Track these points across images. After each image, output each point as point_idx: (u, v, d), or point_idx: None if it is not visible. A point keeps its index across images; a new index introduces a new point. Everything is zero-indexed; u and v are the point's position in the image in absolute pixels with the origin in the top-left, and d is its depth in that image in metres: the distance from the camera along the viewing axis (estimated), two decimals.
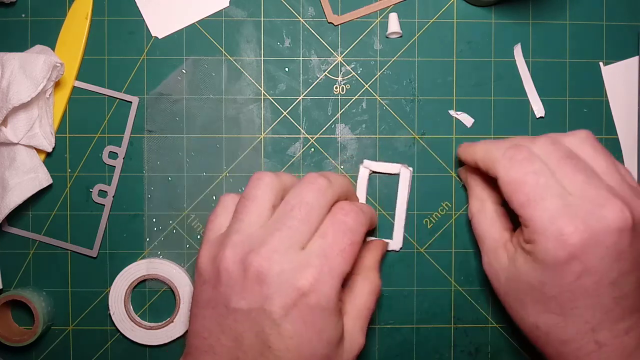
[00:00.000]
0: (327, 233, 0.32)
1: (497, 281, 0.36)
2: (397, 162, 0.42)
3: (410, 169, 0.42)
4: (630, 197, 0.32)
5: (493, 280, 0.37)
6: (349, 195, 0.37)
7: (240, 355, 0.31)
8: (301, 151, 0.42)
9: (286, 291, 0.30)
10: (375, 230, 0.42)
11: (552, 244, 0.31)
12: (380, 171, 0.42)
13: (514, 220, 0.37)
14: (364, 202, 0.42)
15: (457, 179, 0.42)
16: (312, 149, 0.43)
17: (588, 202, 0.31)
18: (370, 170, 0.42)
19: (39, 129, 0.40)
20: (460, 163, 0.41)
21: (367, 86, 0.42)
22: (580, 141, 0.34)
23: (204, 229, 0.36)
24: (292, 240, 0.31)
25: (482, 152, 0.36)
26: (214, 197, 0.42)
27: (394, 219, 0.42)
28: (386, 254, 0.42)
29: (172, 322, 0.41)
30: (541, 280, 0.32)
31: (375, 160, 0.42)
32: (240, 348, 0.31)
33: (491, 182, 0.38)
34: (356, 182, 0.42)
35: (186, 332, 0.39)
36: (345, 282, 0.33)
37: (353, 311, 0.35)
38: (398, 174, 0.42)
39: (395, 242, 0.42)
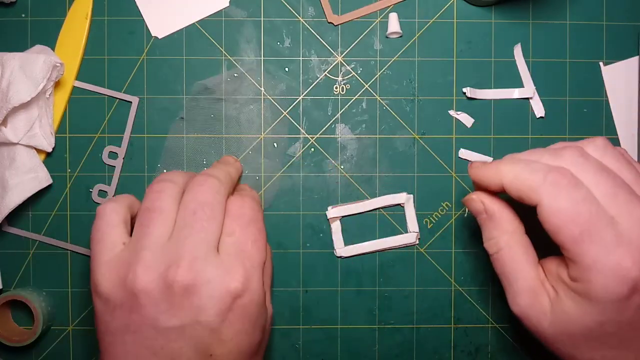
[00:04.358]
0: (234, 230, 0.32)
1: (538, 326, 0.31)
2: (362, 198, 0.42)
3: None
4: None
5: (533, 324, 0.32)
6: (235, 183, 0.38)
7: None
8: (301, 151, 0.42)
9: (219, 298, 0.29)
10: None
11: (611, 281, 0.28)
12: (346, 214, 0.42)
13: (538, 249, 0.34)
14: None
15: (465, 208, 0.39)
16: (312, 149, 0.43)
17: (637, 225, 0.28)
18: (341, 216, 0.42)
19: (39, 129, 0.40)
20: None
21: (367, 86, 0.42)
22: (602, 151, 0.31)
23: (91, 250, 0.32)
24: (205, 243, 0.31)
25: (512, 175, 0.30)
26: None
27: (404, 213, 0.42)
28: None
29: None
30: (599, 320, 0.29)
31: (376, 161, 0.42)
32: None
33: (518, 209, 0.33)
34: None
35: None
36: None
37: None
38: (364, 212, 0.42)
39: (410, 235, 0.42)
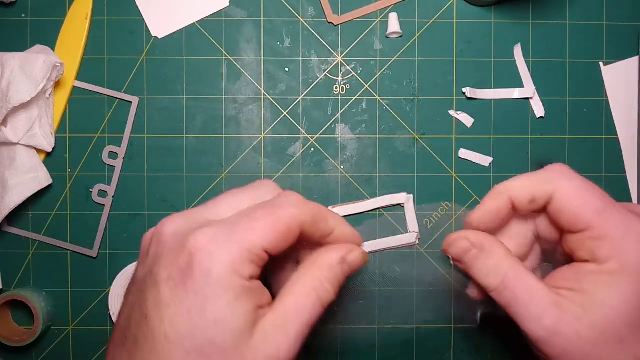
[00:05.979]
0: (248, 209, 0.28)
1: (574, 338, 0.28)
2: (364, 198, 0.42)
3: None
4: None
5: (567, 340, 0.28)
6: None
7: (127, 334, 0.26)
8: (301, 151, 0.42)
9: (174, 250, 0.26)
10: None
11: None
12: (346, 214, 0.42)
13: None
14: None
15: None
16: (312, 149, 0.43)
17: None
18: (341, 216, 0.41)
19: (39, 129, 0.40)
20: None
21: (367, 86, 0.43)
22: None
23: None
24: (207, 208, 0.29)
25: (519, 185, 0.31)
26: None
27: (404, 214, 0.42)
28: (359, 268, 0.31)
29: None
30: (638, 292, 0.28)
31: (376, 161, 0.42)
32: (128, 327, 0.26)
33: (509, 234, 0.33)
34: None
35: None
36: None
37: (281, 310, 0.27)
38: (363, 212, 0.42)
39: (410, 235, 0.42)
